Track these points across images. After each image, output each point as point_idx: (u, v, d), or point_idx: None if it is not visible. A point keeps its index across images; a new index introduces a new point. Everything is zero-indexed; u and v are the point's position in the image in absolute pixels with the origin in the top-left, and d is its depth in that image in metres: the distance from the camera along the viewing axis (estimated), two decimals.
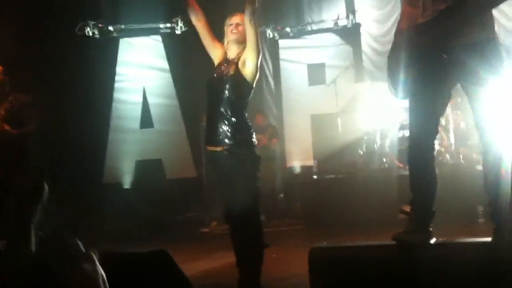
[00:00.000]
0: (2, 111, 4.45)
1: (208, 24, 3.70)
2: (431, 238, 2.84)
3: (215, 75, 3.61)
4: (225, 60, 3.62)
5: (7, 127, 4.46)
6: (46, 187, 2.55)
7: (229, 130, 3.47)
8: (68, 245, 2.17)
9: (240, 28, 3.58)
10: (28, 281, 2.03)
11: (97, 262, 2.15)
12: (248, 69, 3.53)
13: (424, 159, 2.85)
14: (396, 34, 2.90)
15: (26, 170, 4.65)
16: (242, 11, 3.57)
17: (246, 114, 3.59)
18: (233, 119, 3.49)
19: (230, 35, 3.61)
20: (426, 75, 2.74)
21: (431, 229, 2.86)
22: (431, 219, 2.88)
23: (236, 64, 3.55)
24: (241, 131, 3.51)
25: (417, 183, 2.88)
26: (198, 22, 3.69)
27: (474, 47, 2.69)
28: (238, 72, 3.53)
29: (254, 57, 3.53)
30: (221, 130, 3.48)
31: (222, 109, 3.50)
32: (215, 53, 3.67)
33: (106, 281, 2.14)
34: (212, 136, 3.54)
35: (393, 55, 2.89)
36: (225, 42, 3.66)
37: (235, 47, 3.60)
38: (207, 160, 3.65)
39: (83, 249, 2.19)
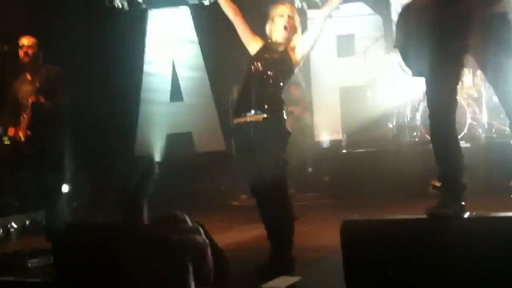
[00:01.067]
0: (36, 83, 4.55)
1: (244, 19, 3.63)
2: (464, 211, 2.81)
3: (257, 57, 3.55)
4: (268, 47, 3.55)
5: (42, 99, 4.56)
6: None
7: (262, 103, 3.46)
8: (180, 220, 2.40)
9: (291, 22, 3.50)
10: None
11: (203, 234, 2.37)
12: (297, 55, 3.51)
13: (446, 132, 2.81)
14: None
15: (62, 140, 4.76)
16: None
17: (282, 93, 3.56)
18: (268, 93, 3.48)
19: (281, 30, 3.50)
20: (442, 47, 2.67)
21: (463, 202, 2.83)
22: (462, 192, 2.84)
23: (285, 48, 3.49)
24: (273, 105, 3.49)
25: (442, 157, 2.84)
26: (235, 17, 3.62)
27: (503, 17, 2.62)
28: (285, 55, 3.49)
29: (308, 48, 3.51)
30: (253, 102, 3.48)
31: (259, 86, 3.48)
32: (254, 47, 3.61)
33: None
34: (244, 107, 3.53)
35: (403, 22, 2.81)
36: (270, 31, 3.55)
37: (284, 38, 3.51)
38: (236, 132, 3.65)
39: (190, 223, 2.42)
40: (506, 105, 2.76)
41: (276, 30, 3.53)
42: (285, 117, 3.56)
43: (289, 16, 3.49)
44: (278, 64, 3.50)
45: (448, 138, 2.83)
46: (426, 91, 2.87)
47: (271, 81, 3.48)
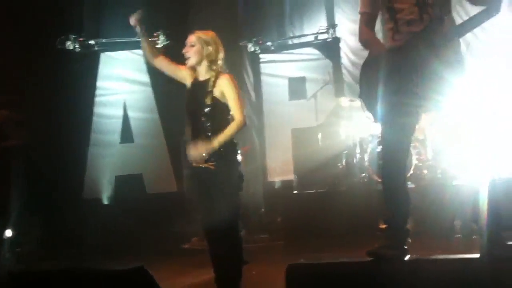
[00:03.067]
0: None
1: (164, 56, 3.69)
2: (405, 254, 2.89)
3: (192, 97, 3.58)
4: (198, 84, 3.57)
5: None
6: None
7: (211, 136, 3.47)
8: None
9: (191, 49, 3.53)
10: None
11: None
12: (227, 98, 3.52)
13: (396, 179, 2.91)
14: (369, 59, 2.97)
15: (8, 184, 4.65)
16: (199, 29, 3.60)
17: (228, 122, 3.55)
18: (215, 127, 3.49)
19: (185, 58, 3.56)
20: (396, 97, 2.81)
21: (406, 246, 2.91)
22: (405, 237, 2.93)
23: (211, 92, 3.50)
24: (226, 148, 3.51)
25: (390, 201, 2.94)
26: (157, 62, 3.68)
27: (443, 68, 2.77)
28: (216, 100, 3.51)
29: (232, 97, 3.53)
30: (204, 135, 3.48)
31: (204, 129, 3.49)
32: (182, 76, 3.64)
33: None
34: (195, 136, 3.53)
35: (365, 77, 2.96)
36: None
37: (198, 68, 3.56)
38: (189, 175, 3.66)
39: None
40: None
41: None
42: (238, 158, 3.58)
43: (191, 45, 3.54)
44: (213, 108, 3.49)
45: (397, 184, 2.92)
46: (383, 138, 2.98)
47: (212, 123, 3.49)
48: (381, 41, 3.07)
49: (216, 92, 3.50)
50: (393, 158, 2.90)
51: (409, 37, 2.82)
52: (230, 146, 3.54)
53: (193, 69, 3.58)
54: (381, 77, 2.83)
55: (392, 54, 2.84)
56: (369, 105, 2.96)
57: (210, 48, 3.53)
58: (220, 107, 3.51)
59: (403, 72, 2.79)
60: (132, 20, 3.62)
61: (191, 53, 3.52)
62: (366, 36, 3.00)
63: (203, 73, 3.55)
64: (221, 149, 3.48)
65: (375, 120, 2.97)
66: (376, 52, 2.91)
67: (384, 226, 4.19)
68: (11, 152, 4.70)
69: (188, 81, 3.62)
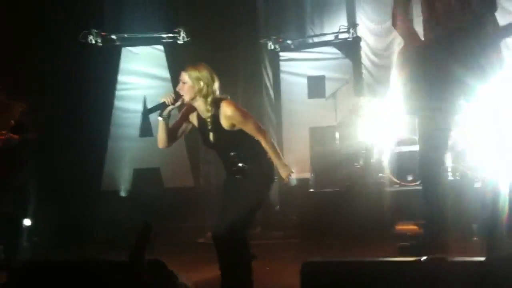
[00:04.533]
0: (12, 122, 4.57)
1: (168, 127, 3.58)
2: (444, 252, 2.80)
3: (205, 136, 3.55)
4: (203, 122, 3.52)
5: (14, 136, 4.58)
6: None
7: (243, 164, 3.51)
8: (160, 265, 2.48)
9: (184, 87, 3.46)
10: None
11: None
12: (238, 124, 3.49)
13: (435, 172, 2.85)
14: (405, 52, 2.91)
15: (25, 174, 4.74)
16: (191, 65, 3.54)
17: (252, 139, 3.54)
18: (242, 154, 3.51)
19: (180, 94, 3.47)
20: (435, 92, 2.77)
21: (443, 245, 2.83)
22: (443, 235, 2.84)
23: (220, 127, 3.47)
24: (253, 159, 3.53)
25: (429, 196, 2.88)
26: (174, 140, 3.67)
27: (482, 65, 2.72)
28: (227, 132, 3.48)
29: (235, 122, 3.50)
30: (235, 167, 3.52)
31: (234, 162, 3.52)
32: (187, 122, 3.62)
33: None
34: (228, 169, 3.58)
35: (403, 73, 2.91)
36: (173, 96, 3.48)
37: (196, 104, 3.50)
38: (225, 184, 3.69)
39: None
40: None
41: None
42: (267, 161, 3.55)
43: (182, 82, 3.48)
44: (228, 135, 3.49)
45: (435, 181, 2.86)
46: (420, 133, 2.93)
47: (233, 147, 3.51)
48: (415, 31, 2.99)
49: (225, 124, 3.47)
50: (432, 161, 2.85)
51: (449, 30, 2.77)
52: (255, 156, 3.54)
53: (191, 104, 3.53)
54: (420, 71, 2.79)
55: (431, 48, 2.79)
56: (405, 97, 2.91)
57: (201, 83, 3.46)
58: (236, 135, 3.51)
59: (443, 66, 2.74)
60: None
61: (184, 91, 3.46)
62: (401, 24, 2.93)
63: (202, 109, 3.50)
64: (249, 162, 3.51)
65: (408, 113, 2.95)
66: (411, 43, 2.86)
67: (401, 226, 4.16)
68: (30, 143, 4.78)
69: (194, 120, 3.60)
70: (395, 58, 2.98)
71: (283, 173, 3.51)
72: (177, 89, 3.50)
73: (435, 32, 2.79)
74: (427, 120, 2.83)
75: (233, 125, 3.49)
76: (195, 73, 3.49)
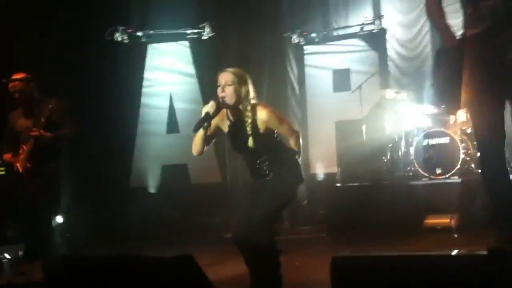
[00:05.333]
0: (42, 118, 4.63)
1: (205, 136, 3.47)
2: None
3: (237, 141, 3.49)
4: (238, 127, 3.43)
5: (46, 134, 4.65)
6: None
7: (272, 168, 3.47)
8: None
9: (228, 89, 3.35)
10: None
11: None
12: (274, 128, 3.46)
13: (497, 169, 2.78)
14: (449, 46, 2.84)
15: (59, 171, 4.82)
16: (232, 66, 3.45)
17: (281, 141, 3.54)
18: (272, 158, 3.47)
19: (220, 97, 3.36)
20: (486, 85, 2.71)
21: None
22: None
23: (257, 132, 3.39)
24: (282, 163, 3.50)
25: (492, 189, 2.80)
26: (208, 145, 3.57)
27: None
28: (263, 137, 3.41)
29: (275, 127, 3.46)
30: (263, 171, 3.48)
31: (263, 170, 3.48)
32: (217, 127, 3.54)
33: None
34: (256, 175, 3.54)
35: (440, 68, 2.87)
36: (214, 103, 3.36)
37: (233, 109, 3.41)
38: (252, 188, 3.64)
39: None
40: None
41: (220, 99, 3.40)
42: (297, 163, 3.53)
43: (226, 84, 3.36)
44: (261, 139, 3.42)
45: (499, 174, 2.78)
46: (475, 131, 2.87)
47: (263, 152, 3.45)
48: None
49: (261, 128, 3.40)
50: (490, 148, 2.78)
51: (491, 22, 2.70)
52: (285, 159, 3.52)
53: (224, 109, 3.43)
54: (462, 68, 2.73)
55: (473, 43, 2.73)
56: (444, 97, 2.88)
57: (248, 87, 3.40)
58: (269, 142, 3.46)
59: (486, 61, 2.69)
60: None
61: (228, 94, 3.34)
62: (437, 20, 2.86)
63: (237, 113, 3.41)
64: (279, 166, 3.48)
65: (451, 112, 2.92)
66: (449, 44, 2.80)
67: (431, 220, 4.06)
68: (63, 140, 4.85)
69: (224, 125, 3.52)
70: (434, 59, 2.92)
71: None
72: (219, 92, 3.37)
73: (477, 25, 2.72)
74: (480, 117, 2.76)
75: (268, 129, 3.42)
76: (241, 75, 3.41)
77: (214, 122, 3.48)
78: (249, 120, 3.38)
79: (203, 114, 3.37)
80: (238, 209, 3.80)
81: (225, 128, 3.54)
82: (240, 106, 3.39)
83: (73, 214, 5.95)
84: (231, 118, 3.47)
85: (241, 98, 3.38)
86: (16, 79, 4.76)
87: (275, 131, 3.48)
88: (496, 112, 2.77)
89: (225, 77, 3.38)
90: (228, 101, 3.36)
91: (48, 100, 4.78)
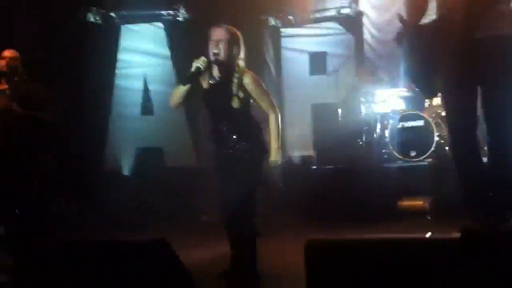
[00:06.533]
0: (12, 92, 4.55)
1: (188, 90, 3.41)
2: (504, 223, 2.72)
3: (213, 98, 3.41)
4: (220, 85, 3.39)
5: (14, 105, 4.53)
6: None
7: (238, 135, 3.42)
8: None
9: (222, 46, 3.29)
10: None
11: None
12: (255, 97, 3.41)
13: (469, 152, 2.79)
14: (415, 32, 2.84)
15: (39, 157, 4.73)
16: (226, 23, 3.40)
17: (252, 112, 3.51)
18: (240, 124, 3.42)
19: (213, 53, 3.31)
20: (456, 69, 2.71)
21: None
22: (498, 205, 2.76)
23: (237, 94, 3.34)
24: (250, 131, 3.46)
25: (464, 174, 2.80)
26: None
27: (499, 40, 2.64)
28: (242, 101, 3.37)
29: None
30: (230, 136, 3.42)
31: (228, 131, 3.42)
32: (201, 82, 3.45)
33: None
34: (221, 141, 3.48)
35: (415, 53, 2.86)
36: (206, 59, 3.30)
37: (219, 67, 3.36)
38: (216, 160, 3.59)
39: None
40: (490, 136, 2.78)
41: (209, 55, 3.35)
42: (263, 135, 3.52)
43: (218, 40, 3.31)
44: (238, 99, 3.37)
45: (470, 155, 2.79)
46: (445, 110, 2.86)
47: (235, 112, 3.39)
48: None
49: (241, 93, 3.36)
50: (462, 134, 2.78)
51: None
52: (253, 129, 3.50)
53: (209, 66, 3.35)
54: (434, 51, 2.73)
55: (442, 25, 2.72)
56: (418, 81, 2.88)
57: (240, 46, 3.37)
58: (246, 108, 3.42)
59: (455, 44, 2.68)
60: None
61: (222, 49, 3.29)
62: None
63: (226, 72, 3.36)
64: (245, 134, 3.44)
65: (426, 97, 2.92)
66: (415, 21, 2.80)
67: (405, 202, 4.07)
68: (39, 124, 4.74)
69: (204, 83, 3.44)
70: (401, 38, 2.90)
71: (273, 156, 3.45)
72: (212, 48, 3.30)
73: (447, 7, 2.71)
74: (453, 99, 2.76)
75: (248, 96, 3.38)
76: (233, 33, 3.37)
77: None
78: (236, 81, 3.34)
79: (193, 69, 3.31)
80: (216, 193, 3.74)
81: (205, 86, 3.45)
82: (230, 64, 3.34)
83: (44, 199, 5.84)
84: (217, 76, 3.41)
85: (232, 56, 3.34)
86: (13, 54, 4.75)
87: (252, 100, 3.43)
88: (468, 97, 2.78)
89: (219, 33, 3.33)
90: (221, 58, 3.31)
91: (27, 80, 4.75)
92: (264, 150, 3.50)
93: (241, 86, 3.35)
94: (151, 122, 7.79)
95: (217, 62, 3.33)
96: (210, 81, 3.43)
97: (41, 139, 4.75)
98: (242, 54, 3.41)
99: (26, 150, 4.66)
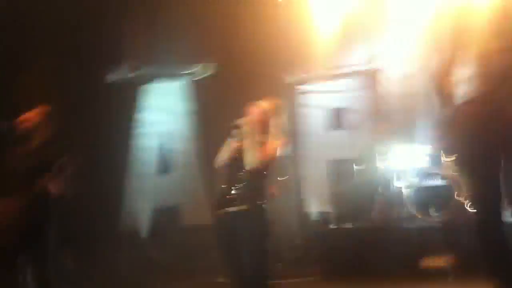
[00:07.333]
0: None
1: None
2: None
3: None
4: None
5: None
6: None
7: (248, 194, 3.49)
8: None
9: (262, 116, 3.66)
10: None
11: None
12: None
13: (494, 231, 2.77)
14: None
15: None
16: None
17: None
18: (252, 184, 3.50)
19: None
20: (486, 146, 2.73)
21: None
22: None
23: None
24: (259, 194, 3.52)
25: (491, 256, 2.78)
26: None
27: None
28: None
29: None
30: (239, 193, 3.50)
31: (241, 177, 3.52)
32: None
33: None
34: (229, 199, 3.54)
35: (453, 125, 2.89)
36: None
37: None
38: (219, 223, 3.65)
39: None
40: None
41: None
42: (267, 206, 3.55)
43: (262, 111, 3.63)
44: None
45: (496, 234, 2.78)
46: (471, 185, 2.87)
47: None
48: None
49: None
50: (489, 212, 2.78)
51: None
52: (263, 193, 3.52)
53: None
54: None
55: (473, 105, 2.78)
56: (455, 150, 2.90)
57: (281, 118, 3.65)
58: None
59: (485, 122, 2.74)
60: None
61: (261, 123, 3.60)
62: (445, 91, 2.92)
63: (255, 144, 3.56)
64: (254, 196, 3.47)
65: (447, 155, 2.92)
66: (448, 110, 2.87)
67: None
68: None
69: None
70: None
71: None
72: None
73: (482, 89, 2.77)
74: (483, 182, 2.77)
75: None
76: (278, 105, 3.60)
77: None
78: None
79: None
80: (227, 255, 3.70)
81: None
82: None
83: (59, 261, 5.80)
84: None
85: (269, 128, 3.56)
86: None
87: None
88: (495, 173, 2.78)
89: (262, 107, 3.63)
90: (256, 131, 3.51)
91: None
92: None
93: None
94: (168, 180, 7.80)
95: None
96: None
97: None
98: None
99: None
